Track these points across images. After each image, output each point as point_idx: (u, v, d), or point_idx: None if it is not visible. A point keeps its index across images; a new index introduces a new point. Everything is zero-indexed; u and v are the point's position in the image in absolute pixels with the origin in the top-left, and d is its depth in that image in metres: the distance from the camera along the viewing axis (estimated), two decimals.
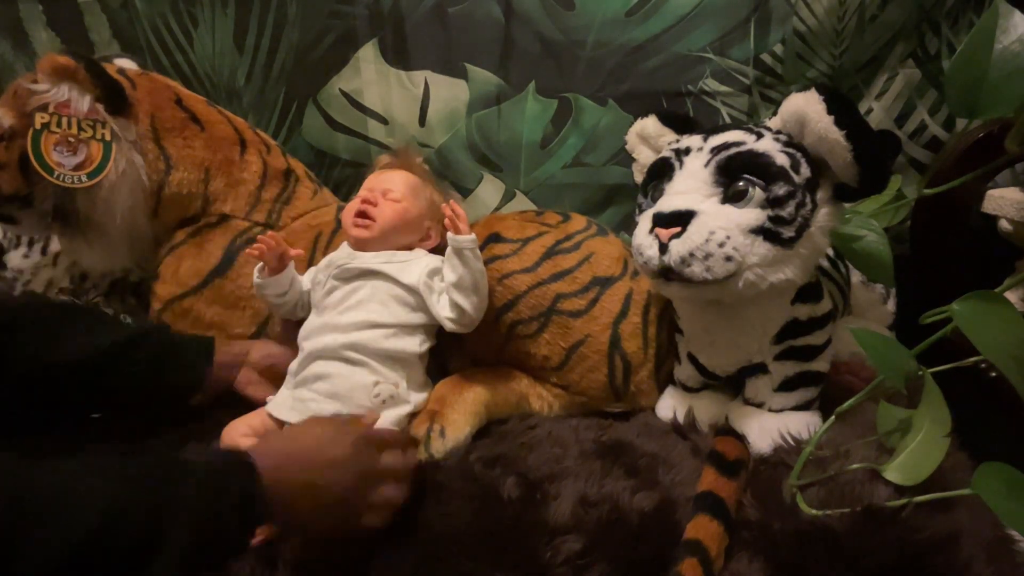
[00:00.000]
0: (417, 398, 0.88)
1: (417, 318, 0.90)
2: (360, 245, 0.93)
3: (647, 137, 0.95)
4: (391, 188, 0.94)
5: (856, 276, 1.09)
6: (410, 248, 0.95)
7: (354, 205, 0.93)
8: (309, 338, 0.88)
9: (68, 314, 0.91)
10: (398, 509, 0.71)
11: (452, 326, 0.89)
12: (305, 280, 0.95)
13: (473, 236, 0.86)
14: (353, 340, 0.85)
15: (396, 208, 0.93)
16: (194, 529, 0.53)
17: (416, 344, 0.90)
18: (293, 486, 0.61)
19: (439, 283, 0.90)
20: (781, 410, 0.85)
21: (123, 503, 0.51)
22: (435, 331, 0.93)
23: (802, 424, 0.83)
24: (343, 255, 0.93)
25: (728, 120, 1.25)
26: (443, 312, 0.88)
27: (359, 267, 0.90)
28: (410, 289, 0.89)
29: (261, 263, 0.92)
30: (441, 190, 1.03)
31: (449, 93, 1.28)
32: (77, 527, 0.48)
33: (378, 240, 0.92)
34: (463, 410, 0.89)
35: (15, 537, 0.45)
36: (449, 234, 0.86)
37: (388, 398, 0.85)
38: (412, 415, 0.87)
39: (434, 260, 0.93)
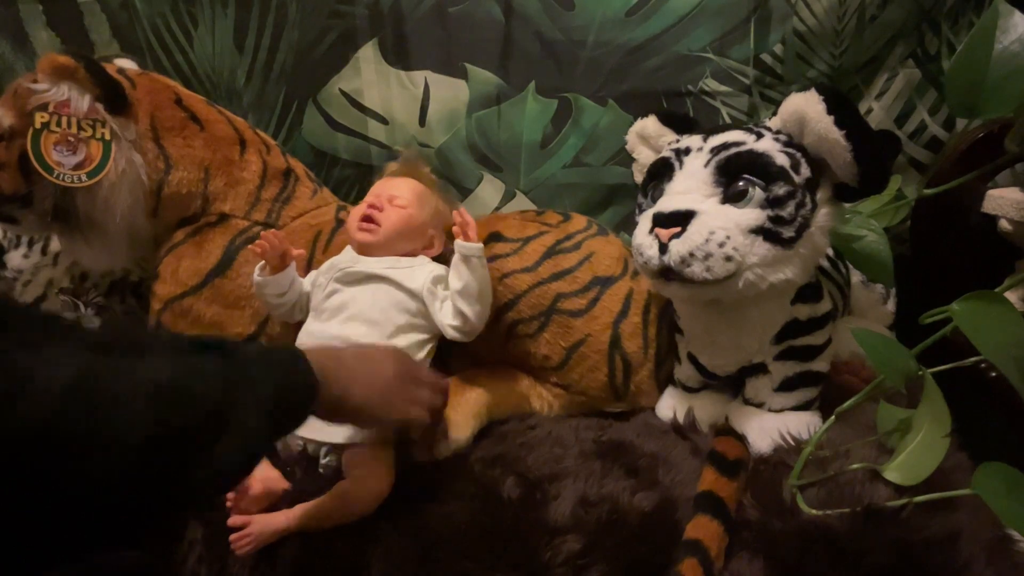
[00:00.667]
0: None
1: (418, 324, 0.90)
2: (364, 249, 0.93)
3: (647, 137, 0.95)
4: (397, 195, 0.94)
5: (856, 276, 1.09)
6: (413, 255, 0.95)
7: (360, 209, 0.93)
8: (307, 342, 0.88)
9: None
10: (437, 413, 0.78)
11: (454, 334, 0.89)
12: (305, 282, 0.95)
13: (480, 245, 0.87)
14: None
15: (402, 214, 0.93)
16: (261, 405, 0.55)
17: (415, 353, 0.90)
18: (345, 372, 0.66)
19: (442, 291, 0.91)
20: (781, 410, 0.85)
21: (192, 380, 0.52)
22: (435, 340, 0.93)
23: (802, 424, 0.83)
24: (346, 259, 0.93)
25: (728, 120, 1.25)
26: (446, 319, 0.88)
27: (363, 271, 0.90)
28: (413, 294, 0.89)
29: (262, 261, 0.92)
30: (447, 199, 1.03)
31: (449, 93, 1.28)
32: (147, 410, 0.48)
33: (382, 245, 0.92)
34: (465, 411, 0.89)
35: (95, 420, 0.46)
36: (457, 241, 0.87)
37: None
38: None
39: (438, 267, 0.93)
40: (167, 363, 0.52)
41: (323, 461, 0.84)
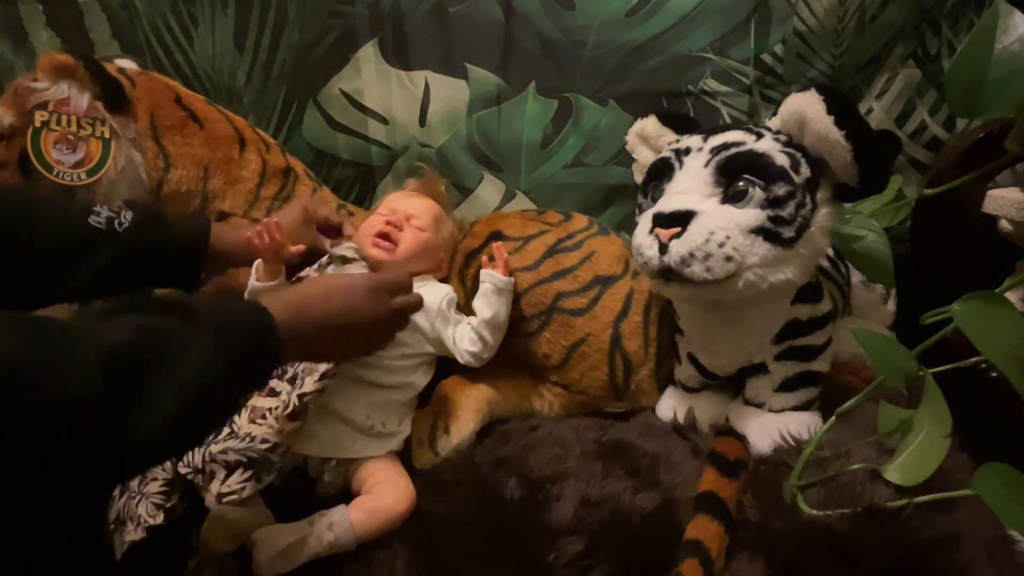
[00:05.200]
0: (403, 433, 0.88)
1: (426, 347, 0.90)
2: (376, 267, 0.92)
3: (647, 137, 0.95)
4: (416, 215, 0.94)
5: (856, 276, 1.09)
6: (421, 275, 0.95)
7: (375, 222, 0.93)
8: None
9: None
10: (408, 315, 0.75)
11: (469, 359, 0.90)
12: None
13: (512, 279, 0.91)
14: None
15: (420, 237, 0.93)
16: (209, 355, 0.55)
17: (420, 375, 0.90)
18: (308, 326, 0.64)
19: (455, 314, 0.91)
20: (781, 410, 0.85)
21: (152, 324, 0.53)
22: (436, 361, 0.93)
23: (802, 424, 0.83)
24: None
25: (728, 120, 1.25)
26: (463, 345, 0.90)
27: None
28: (426, 310, 0.88)
29: (258, 262, 0.91)
30: (459, 222, 1.04)
31: (449, 93, 1.28)
32: (95, 372, 0.49)
33: (396, 265, 0.91)
34: (467, 408, 0.89)
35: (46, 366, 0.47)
36: (494, 273, 0.89)
37: (381, 429, 0.84)
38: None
39: (450, 289, 0.94)
40: (126, 325, 0.53)
41: (327, 478, 0.82)
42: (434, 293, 0.91)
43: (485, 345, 0.90)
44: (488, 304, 0.89)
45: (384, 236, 0.91)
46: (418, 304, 0.74)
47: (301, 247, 0.95)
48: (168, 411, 0.52)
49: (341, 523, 0.73)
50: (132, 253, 0.81)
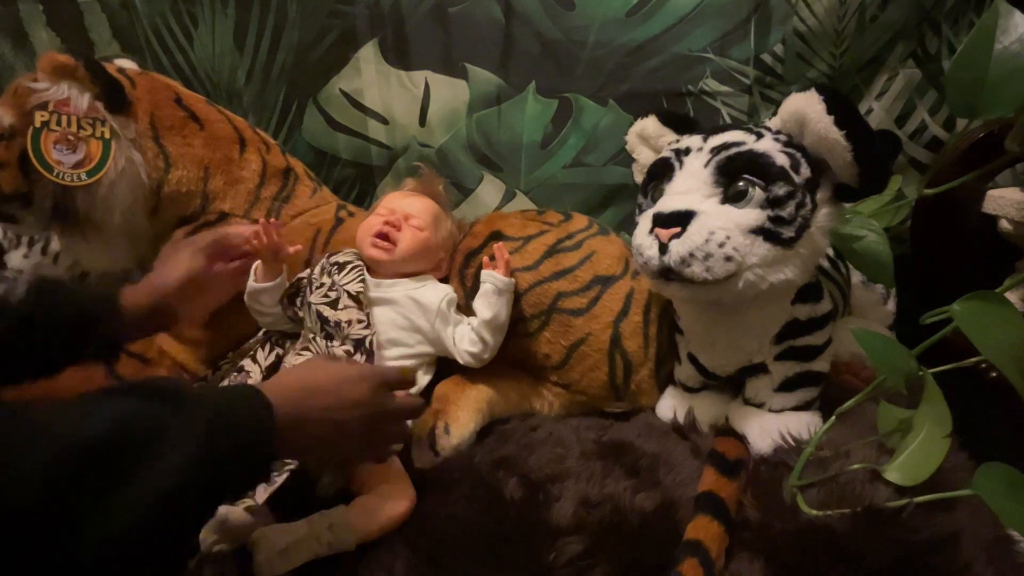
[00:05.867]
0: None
1: (426, 349, 0.90)
2: (374, 266, 0.92)
3: (647, 137, 0.95)
4: (415, 215, 0.94)
5: (856, 276, 1.09)
6: (420, 274, 0.95)
7: (373, 223, 0.93)
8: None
9: None
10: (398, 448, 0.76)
11: (470, 360, 0.90)
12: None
13: (513, 280, 0.91)
14: None
15: (419, 237, 0.93)
16: (192, 454, 0.49)
17: (420, 375, 0.91)
18: (310, 421, 0.60)
19: (455, 314, 0.91)
20: (781, 410, 0.85)
21: (128, 415, 0.48)
22: (436, 362, 0.93)
23: (802, 424, 0.83)
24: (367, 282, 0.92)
25: (728, 120, 1.25)
26: (463, 345, 0.90)
27: (381, 296, 0.90)
28: (427, 310, 0.89)
29: (257, 263, 0.91)
30: (457, 222, 1.04)
31: (449, 93, 1.28)
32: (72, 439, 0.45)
33: (395, 265, 0.92)
34: (467, 407, 0.89)
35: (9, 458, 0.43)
36: (494, 274, 0.89)
37: None
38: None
39: (450, 289, 0.94)
40: (99, 414, 0.48)
41: (326, 478, 0.80)
42: (434, 293, 0.91)
43: (485, 346, 0.90)
44: (489, 305, 0.89)
45: (383, 236, 0.91)
46: (420, 410, 0.75)
47: (299, 246, 0.94)
48: (130, 522, 0.45)
49: (340, 523, 0.73)
50: (29, 324, 0.74)
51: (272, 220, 0.89)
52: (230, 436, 0.53)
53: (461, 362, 0.91)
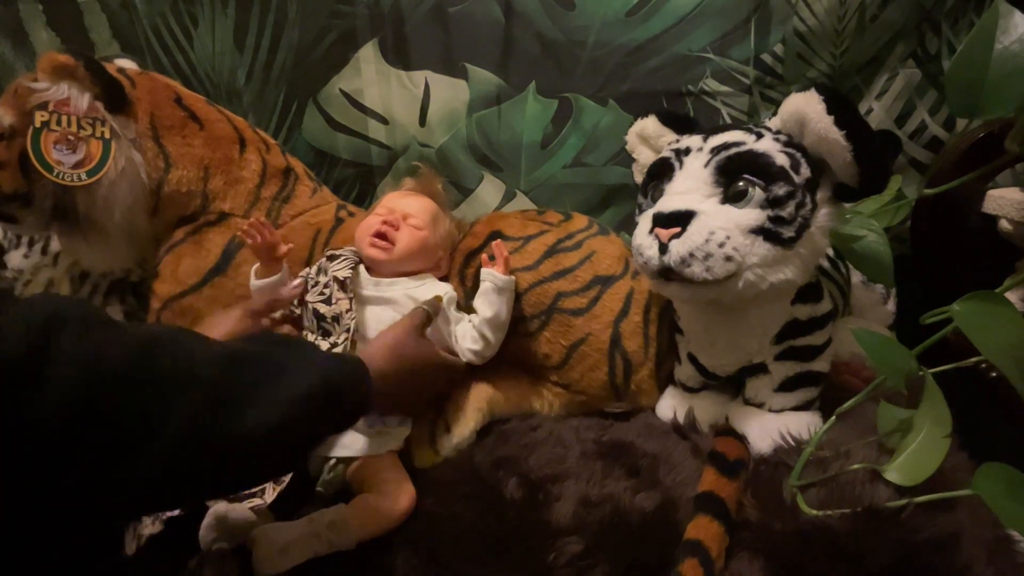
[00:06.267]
0: (403, 432, 0.86)
1: None
2: (373, 265, 0.92)
3: (647, 137, 0.95)
4: (413, 214, 0.94)
5: (856, 276, 1.09)
6: (420, 273, 0.95)
7: (371, 223, 0.93)
8: None
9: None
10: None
11: (472, 357, 0.90)
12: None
13: (514, 279, 0.92)
14: None
15: (417, 236, 0.93)
16: (314, 378, 0.61)
17: None
18: (395, 380, 0.74)
19: (455, 312, 0.91)
20: (781, 410, 0.85)
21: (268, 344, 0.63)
22: None
23: (802, 424, 0.83)
24: (363, 280, 0.92)
25: (728, 120, 1.25)
26: (464, 343, 0.90)
27: (380, 295, 0.90)
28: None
29: (257, 264, 0.91)
30: (457, 221, 1.04)
31: (449, 93, 1.28)
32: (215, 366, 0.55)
33: (393, 264, 0.92)
34: (467, 407, 0.89)
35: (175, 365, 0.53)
36: (494, 272, 0.90)
37: (381, 427, 0.83)
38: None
39: (451, 288, 0.94)
40: (242, 342, 0.62)
41: (326, 477, 0.81)
42: (434, 292, 0.91)
43: (487, 343, 0.90)
44: (489, 303, 0.90)
45: (381, 236, 0.91)
46: (461, 368, 0.89)
47: (291, 244, 0.93)
48: (275, 418, 0.55)
49: (340, 522, 0.73)
50: None
51: (260, 219, 0.89)
52: (340, 368, 0.66)
53: (464, 360, 0.91)
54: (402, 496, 0.77)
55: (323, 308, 0.88)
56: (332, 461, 0.81)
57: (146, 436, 0.49)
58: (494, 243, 0.93)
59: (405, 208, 0.95)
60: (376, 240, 0.91)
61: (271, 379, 0.57)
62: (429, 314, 0.84)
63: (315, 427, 0.63)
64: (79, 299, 0.56)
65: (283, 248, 0.90)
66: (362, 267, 0.93)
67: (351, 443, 0.81)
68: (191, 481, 0.54)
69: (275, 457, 0.60)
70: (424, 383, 0.82)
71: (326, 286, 0.90)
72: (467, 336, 0.90)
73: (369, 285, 0.91)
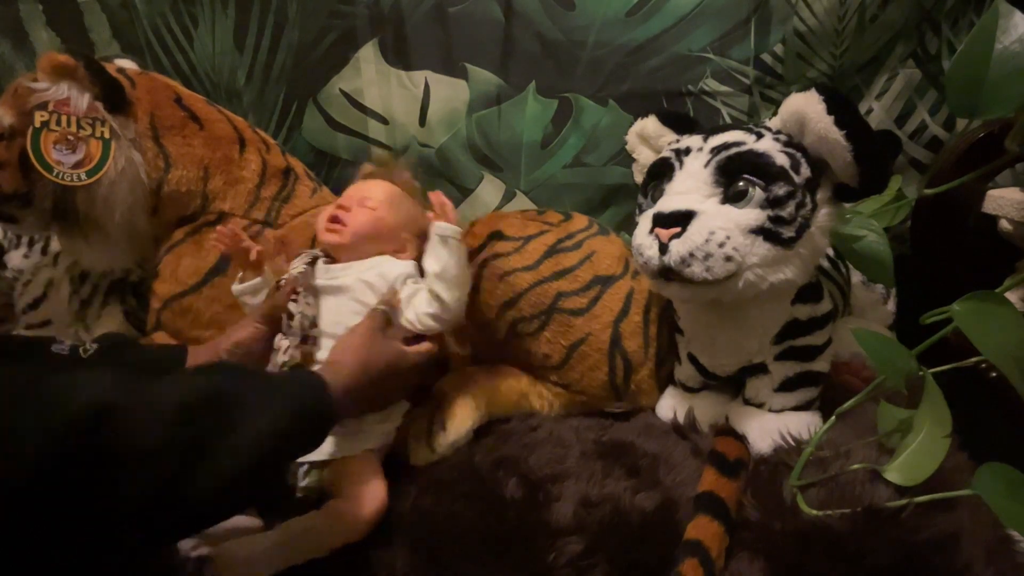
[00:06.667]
0: (382, 429, 0.84)
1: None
2: (333, 250, 0.90)
3: (647, 137, 0.95)
4: (368, 196, 0.91)
5: (856, 276, 1.09)
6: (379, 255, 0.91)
7: (329, 210, 0.91)
8: None
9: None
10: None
11: (431, 322, 0.84)
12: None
13: (458, 227, 0.85)
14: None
15: (370, 216, 0.89)
16: (278, 410, 0.61)
17: None
18: (359, 390, 0.74)
19: (412, 284, 0.87)
20: (781, 410, 0.85)
21: (223, 384, 0.59)
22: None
23: (802, 424, 0.83)
24: (317, 271, 0.89)
25: (728, 120, 1.25)
26: (420, 309, 0.84)
27: (331, 284, 0.87)
28: (380, 289, 0.86)
29: (242, 272, 0.90)
30: (424, 204, 0.97)
31: (449, 93, 1.28)
32: (167, 423, 0.54)
33: (350, 247, 0.88)
34: (464, 405, 0.89)
35: (121, 435, 0.51)
36: (434, 222, 0.85)
37: (357, 424, 0.81)
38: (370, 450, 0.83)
39: (410, 266, 0.89)
40: (186, 381, 0.58)
41: (303, 484, 0.79)
42: (390, 268, 0.87)
43: (443, 304, 0.83)
44: (436, 257, 0.84)
45: (335, 219, 0.89)
46: (432, 351, 0.86)
47: (260, 248, 0.91)
48: (238, 463, 0.55)
49: (311, 530, 0.72)
50: None
51: (230, 226, 0.88)
52: (301, 406, 0.65)
53: (422, 328, 0.84)
54: (368, 502, 0.75)
55: (291, 306, 0.86)
56: (305, 467, 0.79)
57: (106, 510, 0.50)
58: (431, 193, 0.88)
59: (361, 192, 0.92)
60: (330, 224, 0.89)
61: (228, 429, 0.56)
62: (387, 313, 0.83)
63: (280, 461, 0.65)
64: None
65: (255, 253, 0.88)
66: (322, 262, 0.90)
67: (324, 445, 0.77)
68: (160, 537, 0.56)
69: (244, 495, 0.61)
70: (393, 385, 0.81)
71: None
72: (422, 301, 0.84)
73: (321, 275, 0.88)
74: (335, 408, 0.69)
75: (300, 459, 0.78)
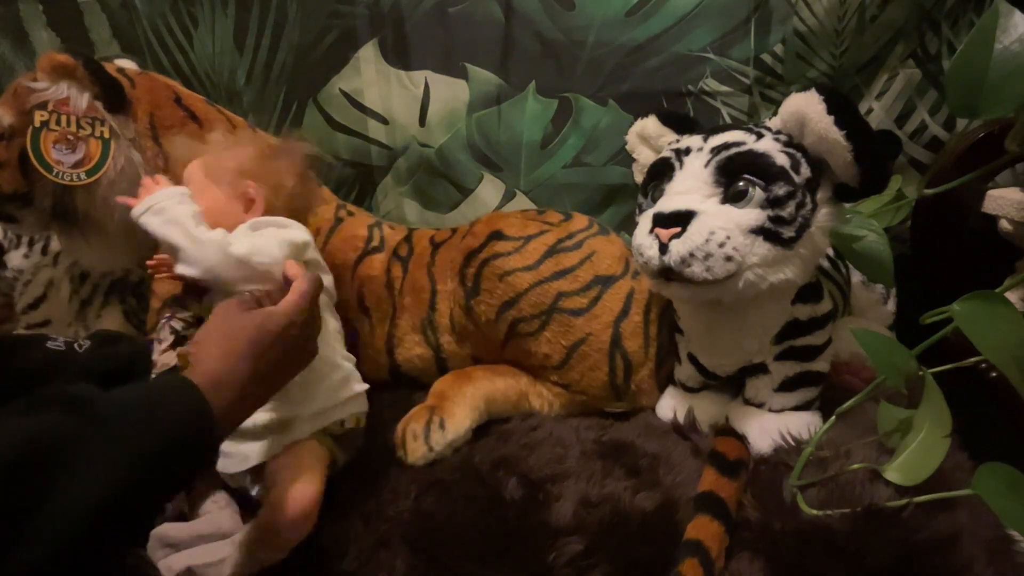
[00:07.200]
0: (311, 421, 0.77)
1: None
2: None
3: (647, 137, 0.95)
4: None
5: (856, 276, 1.09)
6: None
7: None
8: None
9: None
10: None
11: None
12: None
13: (141, 205, 0.76)
14: None
15: (202, 205, 0.79)
16: (122, 461, 0.48)
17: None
18: (240, 383, 0.59)
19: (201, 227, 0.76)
20: (781, 410, 0.85)
21: (37, 432, 0.46)
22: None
23: (802, 424, 0.83)
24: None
25: (728, 120, 1.25)
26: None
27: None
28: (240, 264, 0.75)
29: None
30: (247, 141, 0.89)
31: (449, 93, 1.28)
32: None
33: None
34: (463, 404, 0.89)
35: None
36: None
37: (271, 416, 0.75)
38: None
39: (181, 191, 0.79)
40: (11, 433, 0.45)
41: (253, 494, 0.77)
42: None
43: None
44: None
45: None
46: (316, 281, 0.69)
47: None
48: (55, 540, 0.43)
49: (245, 541, 0.70)
50: (97, 371, 0.80)
51: (157, 257, 0.83)
52: (164, 433, 0.51)
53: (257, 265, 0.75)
54: (300, 486, 0.69)
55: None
56: (248, 477, 0.77)
57: None
58: (145, 179, 0.80)
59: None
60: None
61: (49, 489, 0.44)
62: (250, 294, 0.68)
63: (133, 513, 0.50)
64: None
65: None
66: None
67: (245, 452, 0.75)
68: None
69: (106, 538, 0.48)
70: (276, 357, 0.63)
71: None
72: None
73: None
74: (215, 427, 0.55)
75: (234, 471, 0.75)
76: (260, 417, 0.74)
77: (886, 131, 1.18)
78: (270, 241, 0.77)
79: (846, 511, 0.67)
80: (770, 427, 0.83)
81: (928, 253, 1.14)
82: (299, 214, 0.86)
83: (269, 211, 0.83)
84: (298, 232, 0.80)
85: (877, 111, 1.23)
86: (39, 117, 0.93)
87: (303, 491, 0.71)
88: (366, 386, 0.85)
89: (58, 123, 0.93)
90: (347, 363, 0.84)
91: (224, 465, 0.76)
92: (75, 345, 0.82)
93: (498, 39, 1.26)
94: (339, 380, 0.81)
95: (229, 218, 0.81)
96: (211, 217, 0.79)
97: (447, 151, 1.30)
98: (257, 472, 0.76)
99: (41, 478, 0.44)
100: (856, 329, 0.74)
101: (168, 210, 0.75)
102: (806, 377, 0.85)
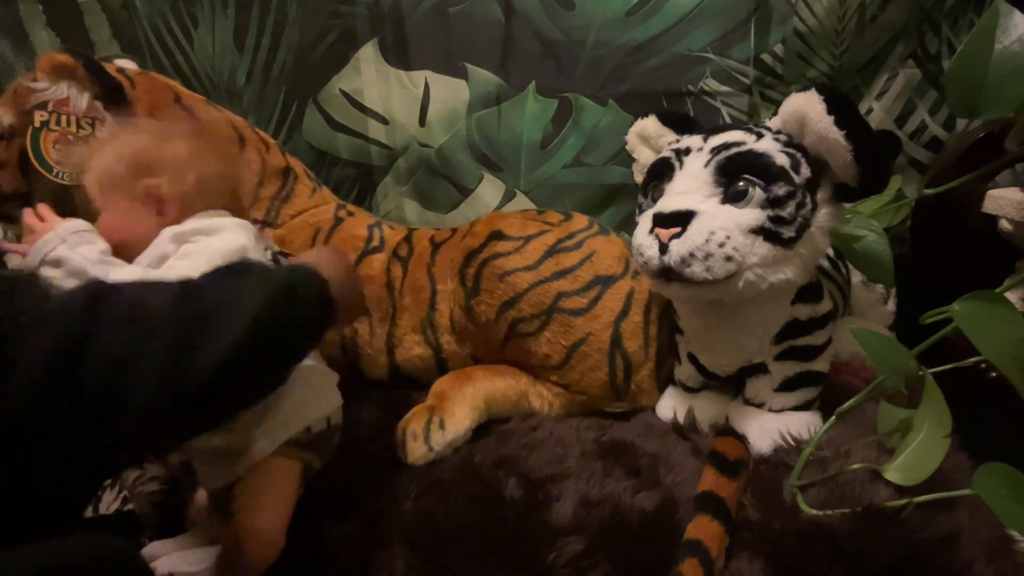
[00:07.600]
0: (262, 444, 0.73)
1: None
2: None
3: (647, 137, 0.95)
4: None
5: (856, 276, 1.09)
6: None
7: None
8: None
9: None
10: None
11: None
12: None
13: (34, 252, 0.70)
14: None
15: (109, 223, 0.74)
16: (272, 292, 0.59)
17: None
18: (343, 284, 0.69)
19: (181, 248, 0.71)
20: (781, 410, 0.85)
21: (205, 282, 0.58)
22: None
23: (802, 424, 0.83)
24: None
25: (728, 120, 1.24)
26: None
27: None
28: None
29: None
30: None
31: (449, 93, 1.28)
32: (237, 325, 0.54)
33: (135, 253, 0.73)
34: (463, 403, 0.89)
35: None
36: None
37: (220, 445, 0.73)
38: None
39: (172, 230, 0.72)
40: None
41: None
42: (162, 242, 0.71)
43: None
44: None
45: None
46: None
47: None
48: (235, 340, 0.53)
49: (214, 565, 0.70)
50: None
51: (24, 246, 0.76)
52: (299, 287, 0.62)
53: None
54: (249, 542, 0.66)
55: None
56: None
57: (124, 387, 0.49)
58: (27, 211, 0.74)
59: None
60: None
61: (229, 305, 0.55)
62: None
63: (278, 336, 0.59)
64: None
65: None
66: None
67: (210, 475, 0.74)
68: (162, 435, 0.54)
69: (246, 375, 0.57)
70: (354, 302, 0.76)
71: None
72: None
73: None
74: (327, 290, 0.64)
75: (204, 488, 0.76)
76: (215, 441, 0.70)
77: (886, 131, 1.19)
78: (199, 264, 0.67)
79: (846, 511, 0.67)
80: (770, 427, 0.83)
81: (928, 253, 1.14)
82: (230, 196, 0.78)
83: (188, 205, 0.73)
84: (229, 237, 0.71)
85: (877, 111, 1.23)
86: (39, 117, 0.93)
87: (263, 522, 0.67)
88: (335, 377, 0.82)
89: (58, 123, 0.93)
90: (309, 361, 0.77)
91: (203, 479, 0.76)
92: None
93: (498, 39, 1.26)
94: (300, 387, 0.74)
95: (142, 227, 0.72)
96: (123, 234, 0.72)
97: (447, 151, 1.30)
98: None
99: (220, 297, 0.56)
100: (856, 329, 0.74)
101: (66, 260, 0.68)
102: (806, 377, 0.85)
